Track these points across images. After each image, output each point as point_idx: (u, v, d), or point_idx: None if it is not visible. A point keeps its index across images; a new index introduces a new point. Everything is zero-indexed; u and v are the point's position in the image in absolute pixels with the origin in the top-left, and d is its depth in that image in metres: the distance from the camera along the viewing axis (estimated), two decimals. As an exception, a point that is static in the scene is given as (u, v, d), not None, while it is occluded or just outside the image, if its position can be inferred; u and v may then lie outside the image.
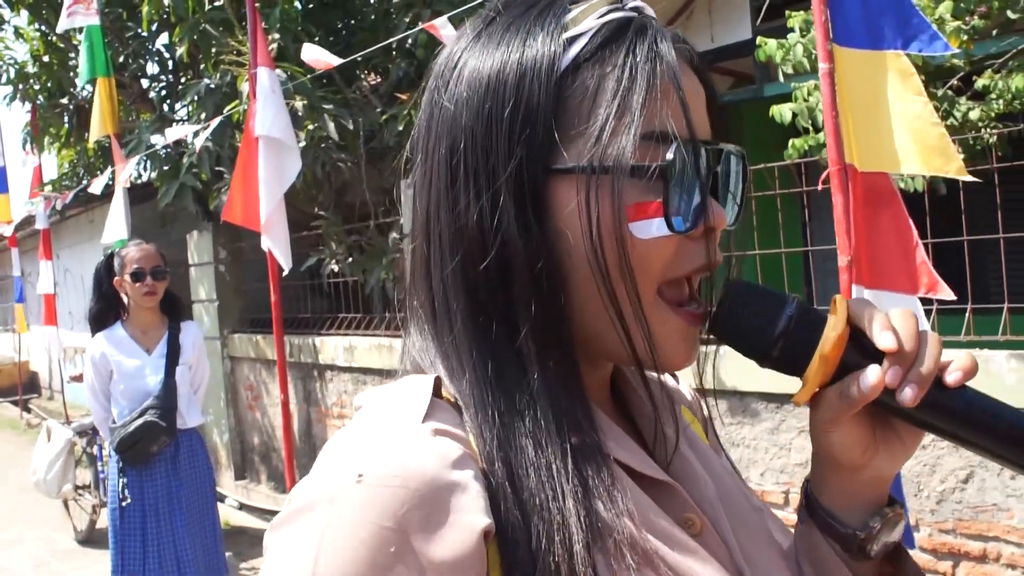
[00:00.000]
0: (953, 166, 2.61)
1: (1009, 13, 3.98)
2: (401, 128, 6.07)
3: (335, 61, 4.61)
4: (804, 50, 4.19)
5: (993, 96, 4.08)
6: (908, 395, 0.65)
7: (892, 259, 2.67)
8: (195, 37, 6.75)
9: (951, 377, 0.66)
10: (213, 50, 6.84)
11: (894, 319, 0.68)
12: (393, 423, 0.62)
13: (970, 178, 2.69)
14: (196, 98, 7.08)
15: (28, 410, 13.93)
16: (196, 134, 6.40)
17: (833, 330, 0.68)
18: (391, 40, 5.62)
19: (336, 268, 6.59)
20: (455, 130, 0.68)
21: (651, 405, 0.76)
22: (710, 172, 0.69)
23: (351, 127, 6.17)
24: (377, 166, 6.71)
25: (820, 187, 2.75)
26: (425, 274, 0.71)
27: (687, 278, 0.70)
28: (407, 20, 6.07)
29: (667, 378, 0.88)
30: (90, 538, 6.51)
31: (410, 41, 6.27)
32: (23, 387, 14.67)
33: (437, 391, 0.66)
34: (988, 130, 4.05)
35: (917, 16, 2.64)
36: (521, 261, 0.65)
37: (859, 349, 0.68)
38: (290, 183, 4.98)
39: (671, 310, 0.69)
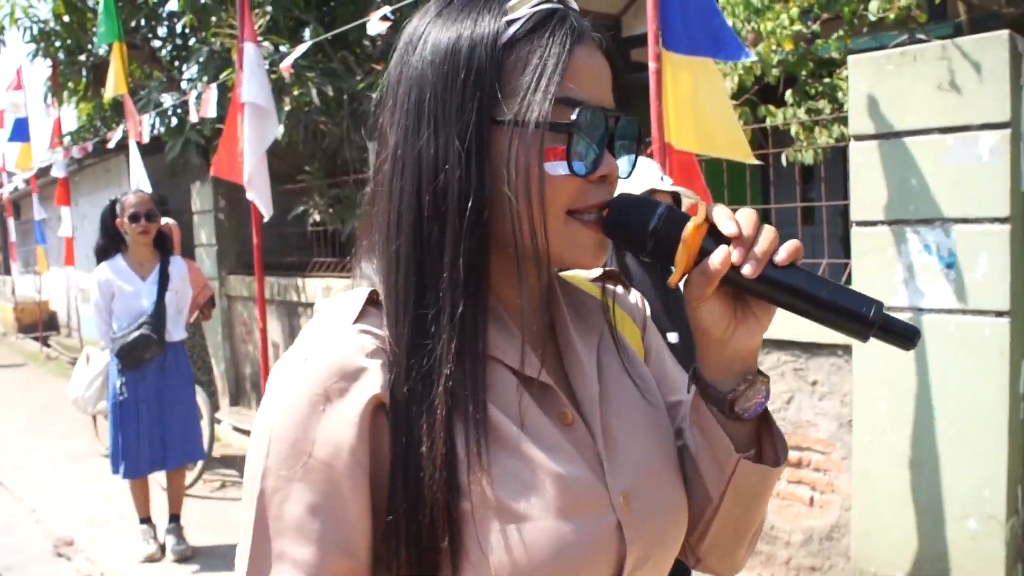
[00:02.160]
0: (742, 152, 3.44)
1: (871, 11, 4.70)
2: (376, 95, 6.88)
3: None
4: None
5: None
6: (749, 269, 0.83)
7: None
8: (197, 9, 7.54)
9: (779, 256, 0.83)
10: (213, 19, 7.65)
11: (738, 215, 0.85)
12: (332, 324, 0.85)
13: (755, 161, 3.51)
14: (200, 62, 7.90)
15: (48, 345, 14.94)
16: (198, 97, 7.23)
17: (692, 222, 0.85)
18: (383, 11, 6.38)
19: (318, 217, 7.46)
20: (422, 83, 0.86)
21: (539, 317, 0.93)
22: (606, 132, 0.86)
23: (331, 94, 6.99)
24: (360, 128, 7.54)
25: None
26: (387, 193, 0.87)
27: (594, 207, 0.87)
28: (381, -1, 6.84)
29: (621, 292, 1.11)
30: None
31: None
32: (43, 324, 15.67)
33: (372, 300, 0.87)
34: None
35: (728, 34, 3.45)
36: (455, 187, 0.83)
37: (715, 239, 0.85)
38: (269, 144, 5.81)
39: (579, 224, 0.87)
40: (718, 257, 0.84)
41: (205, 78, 7.74)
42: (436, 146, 0.83)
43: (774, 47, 4.26)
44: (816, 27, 4.40)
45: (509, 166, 0.82)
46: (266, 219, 5.94)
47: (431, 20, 0.88)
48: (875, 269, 3.63)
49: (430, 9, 0.90)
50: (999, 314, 3.28)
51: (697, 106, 3.43)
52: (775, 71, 4.57)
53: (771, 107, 4.79)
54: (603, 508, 0.86)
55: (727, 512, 0.96)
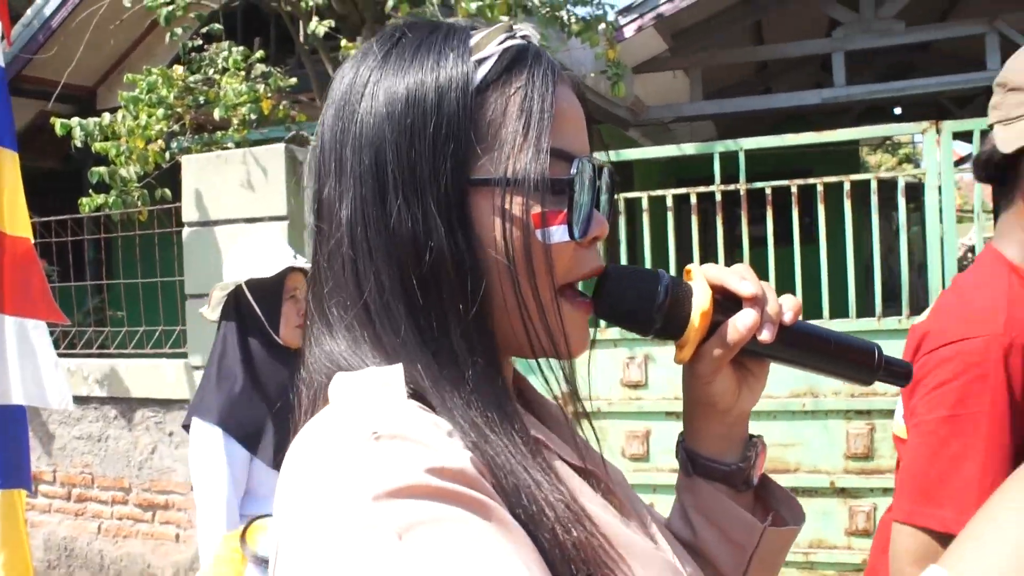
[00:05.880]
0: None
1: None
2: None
3: None
4: (96, 126, 5.23)
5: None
6: (767, 334, 0.75)
7: (35, 294, 3.84)
8: None
9: (787, 316, 0.76)
10: None
11: (742, 272, 0.77)
12: (384, 399, 0.64)
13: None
14: None
15: None
16: None
17: (705, 293, 0.76)
18: None
19: None
20: (378, 142, 0.70)
21: (562, 406, 0.81)
22: (595, 186, 0.74)
23: None
24: None
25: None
26: (355, 280, 0.71)
27: (587, 275, 0.76)
28: None
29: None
30: None
31: None
32: None
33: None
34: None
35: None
36: (449, 267, 0.67)
37: (720, 306, 0.77)
38: None
39: (571, 304, 0.74)
40: (748, 320, 0.75)
41: None
42: (411, 218, 0.68)
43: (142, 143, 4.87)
44: (179, 126, 5.09)
45: (505, 235, 0.69)
46: None
47: (377, 65, 0.73)
48: (208, 334, 4.34)
49: (371, 52, 0.75)
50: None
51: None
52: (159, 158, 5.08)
53: (167, 191, 5.30)
54: None
55: None
